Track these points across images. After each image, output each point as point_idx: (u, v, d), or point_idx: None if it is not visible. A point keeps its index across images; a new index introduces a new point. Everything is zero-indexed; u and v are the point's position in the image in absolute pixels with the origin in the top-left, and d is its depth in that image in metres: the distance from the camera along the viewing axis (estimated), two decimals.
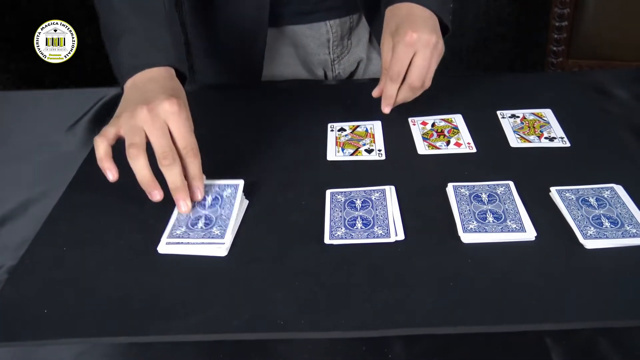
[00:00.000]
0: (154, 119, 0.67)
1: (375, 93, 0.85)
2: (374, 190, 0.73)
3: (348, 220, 0.69)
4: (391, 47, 0.80)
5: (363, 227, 0.68)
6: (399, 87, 0.82)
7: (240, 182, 0.74)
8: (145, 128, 0.67)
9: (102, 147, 0.68)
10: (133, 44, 0.77)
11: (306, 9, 1.05)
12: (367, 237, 0.66)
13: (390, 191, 0.73)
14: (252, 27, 1.01)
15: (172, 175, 0.67)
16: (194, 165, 0.69)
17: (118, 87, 0.99)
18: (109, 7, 0.80)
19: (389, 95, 0.82)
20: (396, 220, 0.69)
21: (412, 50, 0.78)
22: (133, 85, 0.74)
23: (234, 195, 0.72)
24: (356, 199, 0.72)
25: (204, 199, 0.72)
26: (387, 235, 0.66)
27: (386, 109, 0.84)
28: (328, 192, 0.74)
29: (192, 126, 0.70)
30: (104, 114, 0.97)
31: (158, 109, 0.67)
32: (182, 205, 0.69)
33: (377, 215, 0.69)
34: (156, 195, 0.68)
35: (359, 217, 0.69)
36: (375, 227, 0.67)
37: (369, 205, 0.71)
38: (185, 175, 0.69)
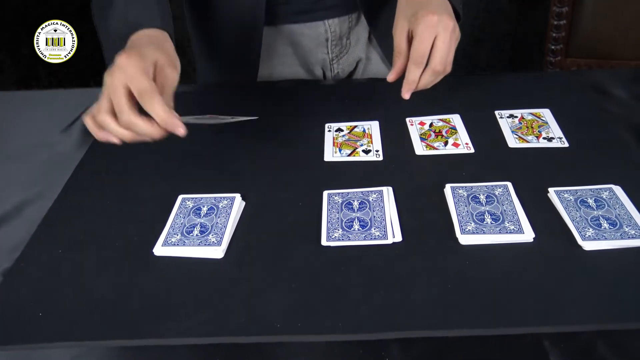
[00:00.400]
0: (108, 87, 0.67)
1: (391, 77, 0.80)
2: (371, 192, 0.73)
3: (345, 222, 0.68)
4: (406, 31, 0.77)
5: (360, 228, 0.67)
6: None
7: (237, 195, 0.73)
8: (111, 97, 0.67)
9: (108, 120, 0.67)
10: (121, 14, 0.78)
11: (304, 8, 1.04)
12: (365, 239, 0.66)
13: (387, 192, 0.73)
14: (247, 25, 1.01)
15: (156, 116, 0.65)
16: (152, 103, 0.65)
17: None
18: None
19: (412, 80, 0.78)
20: (394, 222, 0.68)
21: (434, 32, 0.75)
22: (138, 38, 0.74)
23: (230, 206, 0.71)
24: (353, 200, 0.72)
25: (199, 208, 0.71)
26: (385, 237, 0.66)
27: (407, 95, 0.79)
28: (325, 193, 0.73)
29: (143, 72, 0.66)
30: None
31: (117, 72, 0.66)
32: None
33: (374, 216, 0.69)
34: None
35: (356, 219, 0.69)
36: (372, 229, 0.67)
37: (366, 207, 0.70)
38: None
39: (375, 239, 0.66)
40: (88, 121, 0.68)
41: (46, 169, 0.84)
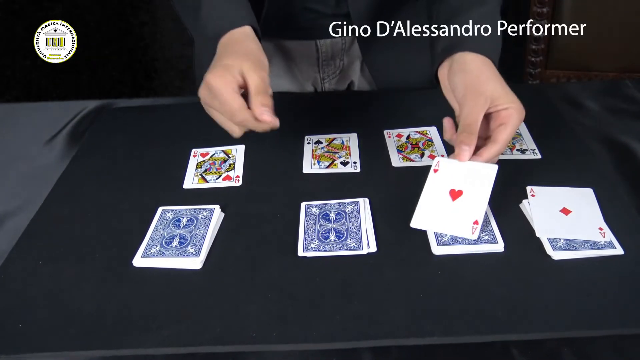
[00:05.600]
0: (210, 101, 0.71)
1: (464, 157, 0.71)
2: (348, 203, 0.74)
3: (322, 233, 0.70)
4: (484, 110, 0.72)
5: (337, 239, 0.69)
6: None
7: (216, 207, 0.74)
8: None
9: (237, 102, 0.70)
10: (211, 13, 0.80)
11: (297, 25, 1.04)
12: (340, 250, 0.67)
13: (364, 204, 0.74)
14: None
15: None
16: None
17: (96, 100, 1.00)
18: None
19: (489, 159, 0.72)
20: (369, 233, 0.70)
21: (517, 126, 0.72)
22: (224, 45, 0.77)
23: (209, 218, 0.73)
24: (330, 212, 0.73)
25: (179, 220, 0.73)
26: (360, 247, 0.67)
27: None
28: (303, 205, 0.75)
29: (234, 89, 0.70)
30: (83, 127, 0.97)
31: (210, 93, 0.71)
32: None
33: (350, 227, 0.70)
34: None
35: (332, 230, 0.70)
36: (348, 239, 0.68)
37: (342, 218, 0.72)
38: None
39: (350, 249, 0.67)
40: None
41: (27, 181, 0.85)
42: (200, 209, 0.74)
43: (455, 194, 0.71)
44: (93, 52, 2.18)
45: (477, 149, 0.71)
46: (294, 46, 1.08)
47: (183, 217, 0.73)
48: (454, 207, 0.69)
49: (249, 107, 0.69)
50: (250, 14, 0.80)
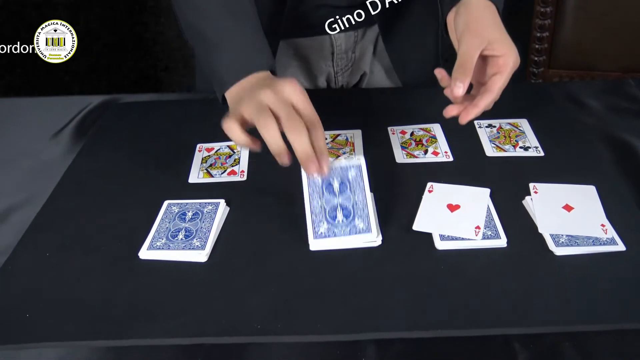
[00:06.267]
0: (278, 97, 0.68)
1: (459, 93, 0.73)
2: (350, 167, 0.74)
3: (328, 211, 0.70)
4: (479, 51, 0.74)
5: (344, 219, 0.69)
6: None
7: (222, 201, 0.75)
8: (270, 104, 0.68)
9: (235, 128, 0.69)
10: (233, 51, 0.78)
11: (312, 23, 1.04)
12: (350, 233, 0.68)
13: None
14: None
15: (302, 144, 0.66)
16: (320, 137, 0.68)
17: (102, 96, 1.00)
18: (194, 9, 0.81)
19: (484, 107, 0.76)
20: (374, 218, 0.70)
21: (513, 69, 0.76)
22: (240, 88, 0.75)
23: (214, 212, 0.73)
24: (333, 181, 0.73)
25: (184, 213, 0.73)
26: (369, 229, 0.68)
27: (467, 120, 0.76)
28: (304, 177, 0.73)
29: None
30: (89, 122, 0.98)
31: (282, 90, 0.69)
32: (314, 170, 0.68)
33: (356, 202, 0.70)
34: (287, 159, 0.68)
35: (339, 206, 0.70)
36: (356, 219, 0.69)
37: (347, 188, 0.72)
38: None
39: (360, 232, 0.68)
40: (232, 127, 0.70)
41: (33, 175, 0.86)
42: (205, 203, 0.75)
43: (453, 207, 0.72)
44: (98, 47, 2.19)
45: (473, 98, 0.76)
46: (309, 43, 1.08)
47: (189, 211, 0.74)
48: (454, 216, 0.71)
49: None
50: (269, 54, 0.80)
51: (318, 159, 0.68)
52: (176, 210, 0.74)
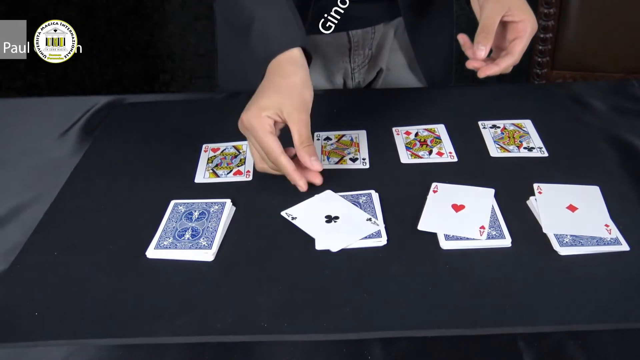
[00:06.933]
0: (248, 137, 0.77)
1: (481, 54, 0.82)
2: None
3: None
4: (500, 16, 0.81)
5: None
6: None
7: (228, 201, 0.76)
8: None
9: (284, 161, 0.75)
10: (262, 33, 0.82)
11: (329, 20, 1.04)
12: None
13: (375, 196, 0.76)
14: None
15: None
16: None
17: (108, 96, 1.01)
18: (232, 2, 0.87)
19: (505, 68, 0.82)
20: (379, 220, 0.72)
21: (532, 35, 0.83)
22: (269, 73, 0.80)
23: (220, 211, 0.74)
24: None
25: (191, 213, 0.74)
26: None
27: (485, 74, 0.82)
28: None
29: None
30: (96, 122, 0.99)
31: (247, 131, 0.77)
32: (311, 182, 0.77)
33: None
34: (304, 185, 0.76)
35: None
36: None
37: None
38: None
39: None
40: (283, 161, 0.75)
41: (41, 174, 0.86)
42: (212, 203, 0.75)
43: (457, 207, 0.73)
44: (104, 47, 2.20)
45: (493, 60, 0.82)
46: (327, 39, 1.08)
47: (195, 211, 0.74)
48: (458, 216, 0.72)
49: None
50: (301, 31, 0.82)
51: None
52: (183, 210, 0.75)
